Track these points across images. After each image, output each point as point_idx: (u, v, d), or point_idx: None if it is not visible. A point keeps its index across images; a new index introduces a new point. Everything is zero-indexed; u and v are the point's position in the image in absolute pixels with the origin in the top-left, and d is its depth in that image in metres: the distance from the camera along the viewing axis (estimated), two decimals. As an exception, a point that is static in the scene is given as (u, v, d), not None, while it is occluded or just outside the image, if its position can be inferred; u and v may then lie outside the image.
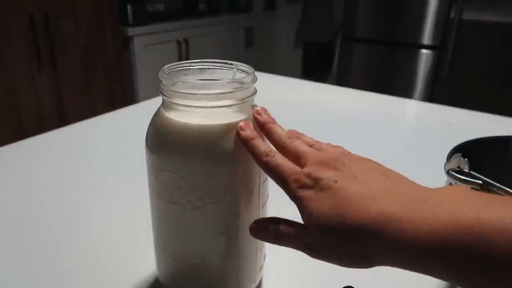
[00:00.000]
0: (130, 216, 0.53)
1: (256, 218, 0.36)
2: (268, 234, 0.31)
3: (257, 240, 0.38)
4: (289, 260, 0.46)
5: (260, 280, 0.42)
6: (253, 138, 0.31)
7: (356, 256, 0.26)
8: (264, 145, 0.31)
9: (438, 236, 0.22)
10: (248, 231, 0.36)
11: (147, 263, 0.43)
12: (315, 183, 0.28)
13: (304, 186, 0.28)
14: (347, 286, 0.33)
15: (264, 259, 0.41)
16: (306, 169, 0.28)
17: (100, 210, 0.55)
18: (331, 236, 0.26)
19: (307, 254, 0.29)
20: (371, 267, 0.26)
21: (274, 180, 0.30)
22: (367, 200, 0.25)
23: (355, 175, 0.27)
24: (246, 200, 0.35)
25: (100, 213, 0.54)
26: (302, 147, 0.31)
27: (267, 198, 0.38)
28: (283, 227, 0.30)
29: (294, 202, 0.29)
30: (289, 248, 0.48)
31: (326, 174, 0.28)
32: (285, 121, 0.95)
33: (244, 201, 0.35)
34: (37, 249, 0.47)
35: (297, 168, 0.29)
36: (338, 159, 0.29)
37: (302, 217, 0.28)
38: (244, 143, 0.31)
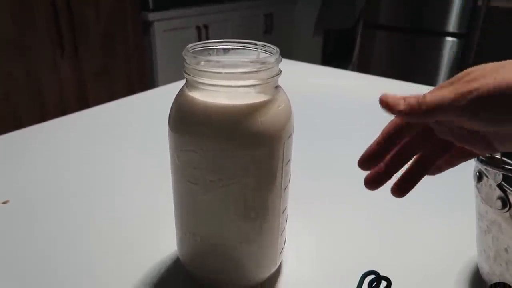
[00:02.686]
0: (152, 197, 0.54)
1: (278, 201, 0.36)
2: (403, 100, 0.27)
3: (278, 223, 0.38)
4: (309, 244, 0.46)
5: (280, 264, 0.41)
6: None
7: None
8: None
9: None
10: (268, 214, 0.36)
11: (169, 243, 0.43)
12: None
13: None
14: (370, 270, 0.33)
15: (284, 243, 0.41)
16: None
17: (121, 191, 0.56)
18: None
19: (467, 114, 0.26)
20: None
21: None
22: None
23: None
24: (268, 182, 0.34)
25: (122, 194, 0.55)
26: None
27: (289, 181, 0.38)
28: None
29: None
30: (309, 233, 0.48)
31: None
32: (305, 107, 0.93)
33: (266, 183, 0.34)
34: (60, 229, 0.48)
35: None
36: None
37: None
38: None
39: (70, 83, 1.83)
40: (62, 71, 1.79)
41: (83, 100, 1.89)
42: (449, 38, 2.14)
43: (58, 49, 1.74)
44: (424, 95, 0.27)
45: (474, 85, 0.25)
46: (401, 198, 0.32)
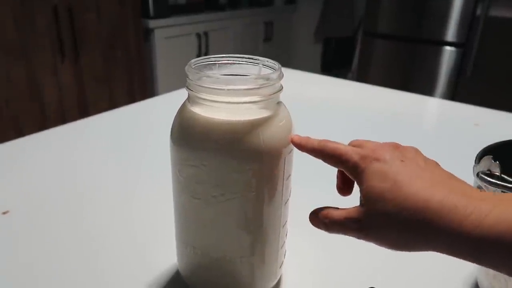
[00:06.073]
0: (151, 209, 0.54)
1: (279, 215, 0.36)
2: (318, 221, 0.31)
3: (278, 237, 0.38)
4: (310, 259, 0.46)
5: (280, 277, 0.41)
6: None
7: (408, 237, 0.26)
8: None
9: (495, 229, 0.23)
10: (269, 227, 0.36)
11: (168, 256, 0.43)
12: (380, 159, 0.28)
13: (368, 158, 0.29)
14: (370, 287, 0.33)
15: (284, 256, 0.41)
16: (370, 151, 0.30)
17: (121, 202, 0.56)
18: (386, 214, 0.26)
19: (356, 235, 0.28)
20: (416, 250, 0.26)
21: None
22: (428, 185, 0.26)
23: (417, 162, 0.28)
24: (270, 196, 0.34)
25: (121, 205, 0.55)
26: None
27: (290, 195, 0.38)
28: (332, 213, 0.30)
29: (356, 176, 0.29)
30: (309, 246, 0.48)
31: (389, 154, 0.29)
32: (304, 116, 0.94)
33: (267, 197, 0.34)
34: (59, 241, 0.48)
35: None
36: (399, 147, 0.31)
37: (361, 190, 0.29)
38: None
39: (71, 89, 1.83)
40: (63, 77, 1.79)
41: (83, 106, 1.89)
42: (448, 47, 2.15)
43: (59, 55, 1.75)
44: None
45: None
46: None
